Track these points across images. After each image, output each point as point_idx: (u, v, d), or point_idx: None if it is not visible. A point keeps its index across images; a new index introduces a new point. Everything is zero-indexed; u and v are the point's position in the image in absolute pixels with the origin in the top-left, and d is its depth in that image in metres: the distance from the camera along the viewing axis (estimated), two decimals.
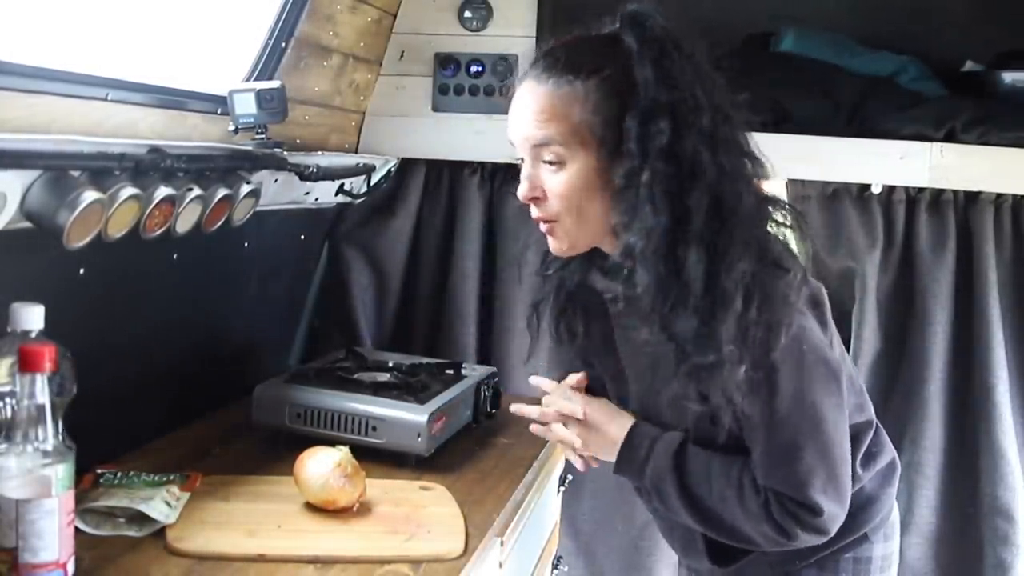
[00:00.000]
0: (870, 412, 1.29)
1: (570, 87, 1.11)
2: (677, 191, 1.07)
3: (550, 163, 1.14)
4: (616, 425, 1.26)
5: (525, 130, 1.15)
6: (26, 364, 0.97)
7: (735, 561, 1.29)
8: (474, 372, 1.81)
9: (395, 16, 2.20)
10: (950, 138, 2.04)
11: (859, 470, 1.25)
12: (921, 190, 2.06)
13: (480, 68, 2.21)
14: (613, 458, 1.25)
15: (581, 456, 1.33)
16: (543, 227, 1.19)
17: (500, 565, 1.40)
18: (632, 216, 1.08)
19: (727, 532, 1.18)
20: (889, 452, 1.33)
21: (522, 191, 1.17)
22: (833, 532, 1.15)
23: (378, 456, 1.51)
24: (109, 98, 1.33)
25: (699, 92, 1.08)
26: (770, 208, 1.15)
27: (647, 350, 1.15)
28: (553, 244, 1.20)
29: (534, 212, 1.18)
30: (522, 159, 1.18)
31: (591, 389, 1.34)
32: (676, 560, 1.53)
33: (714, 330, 1.06)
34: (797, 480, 1.11)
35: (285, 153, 1.61)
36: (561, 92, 1.11)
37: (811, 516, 1.12)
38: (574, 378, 1.34)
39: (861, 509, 1.26)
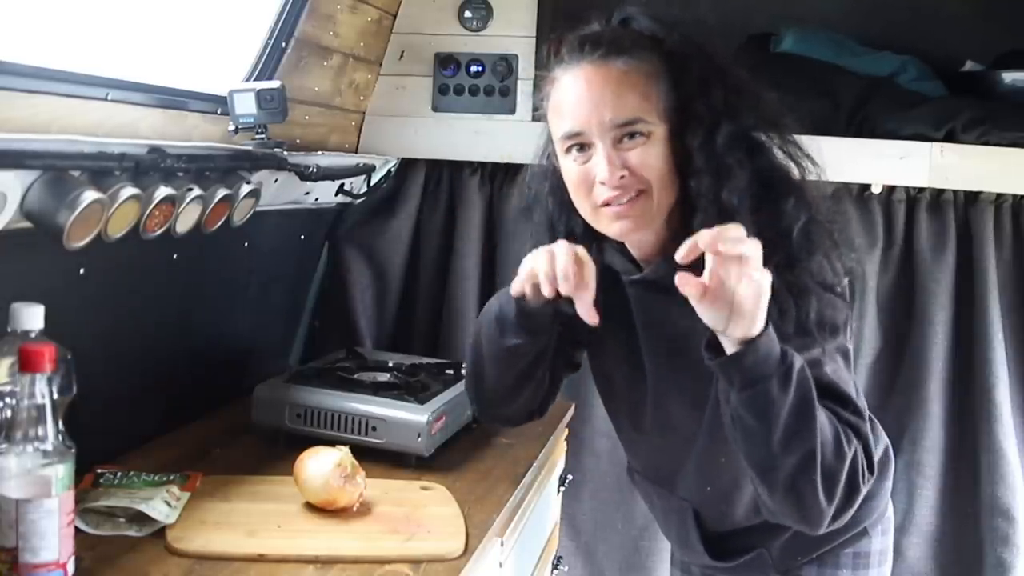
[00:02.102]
0: (863, 402, 1.30)
1: (634, 62, 1.13)
2: (756, 148, 1.14)
3: (635, 138, 1.11)
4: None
5: (603, 112, 1.11)
6: (26, 364, 0.97)
7: (732, 557, 1.29)
8: None
9: (395, 16, 2.20)
10: (950, 138, 2.04)
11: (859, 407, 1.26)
12: (921, 190, 2.07)
13: (480, 68, 2.21)
14: (743, 323, 0.98)
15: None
16: (615, 209, 1.12)
17: (500, 565, 1.40)
18: (719, 173, 1.11)
19: (825, 477, 1.03)
20: (883, 443, 1.36)
21: (609, 175, 1.11)
22: (848, 515, 1.10)
23: (378, 456, 1.51)
24: (109, 98, 1.33)
25: (731, 68, 1.17)
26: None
27: (681, 325, 1.09)
28: (627, 225, 1.14)
29: (605, 194, 1.12)
30: (577, 146, 1.13)
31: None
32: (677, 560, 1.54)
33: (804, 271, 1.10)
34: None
35: (285, 153, 1.61)
36: (630, 68, 1.12)
37: (871, 474, 1.08)
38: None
39: (860, 504, 1.27)
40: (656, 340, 1.24)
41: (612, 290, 1.25)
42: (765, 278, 0.98)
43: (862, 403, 1.19)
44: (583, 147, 1.14)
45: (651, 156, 1.12)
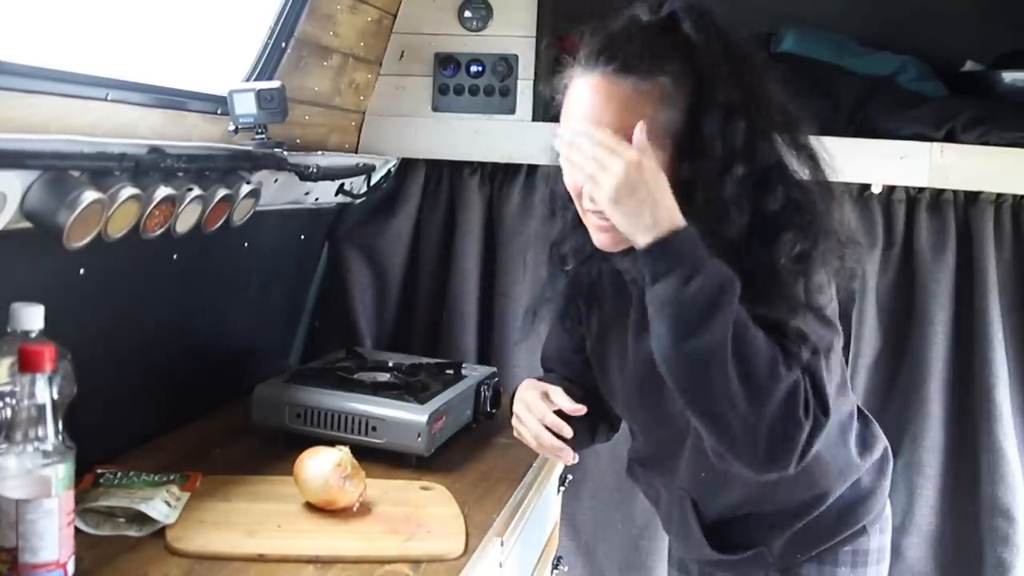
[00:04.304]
0: (853, 398, 1.32)
1: (645, 84, 1.08)
2: (761, 188, 1.09)
3: None
4: (670, 198, 1.05)
5: (600, 125, 1.10)
6: (26, 364, 0.97)
7: (733, 550, 1.29)
8: (474, 372, 1.81)
9: (395, 16, 2.20)
10: (950, 138, 2.04)
11: (855, 456, 1.27)
12: (921, 190, 2.07)
13: (480, 68, 2.21)
14: (647, 230, 1.03)
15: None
16: (598, 221, 1.14)
17: (500, 565, 1.40)
18: (718, 215, 1.08)
19: (751, 392, 1.02)
20: (882, 443, 1.36)
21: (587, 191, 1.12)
22: (811, 450, 1.06)
23: (378, 456, 1.51)
24: (109, 98, 1.33)
25: (766, 89, 1.12)
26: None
27: None
28: (605, 238, 1.15)
29: (589, 205, 1.14)
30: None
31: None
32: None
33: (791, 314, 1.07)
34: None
35: (285, 153, 1.61)
36: (638, 89, 1.08)
37: (822, 416, 1.05)
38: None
39: (860, 502, 1.29)
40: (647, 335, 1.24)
41: (616, 283, 1.28)
42: (655, 171, 1.02)
43: (847, 386, 1.21)
44: None
45: None
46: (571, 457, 1.27)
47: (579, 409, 1.25)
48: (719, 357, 1.00)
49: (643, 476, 1.42)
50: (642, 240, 1.03)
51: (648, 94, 1.09)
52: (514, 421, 1.32)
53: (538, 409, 1.27)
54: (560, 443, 1.25)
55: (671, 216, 1.03)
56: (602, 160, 1.03)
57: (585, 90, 1.12)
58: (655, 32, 1.12)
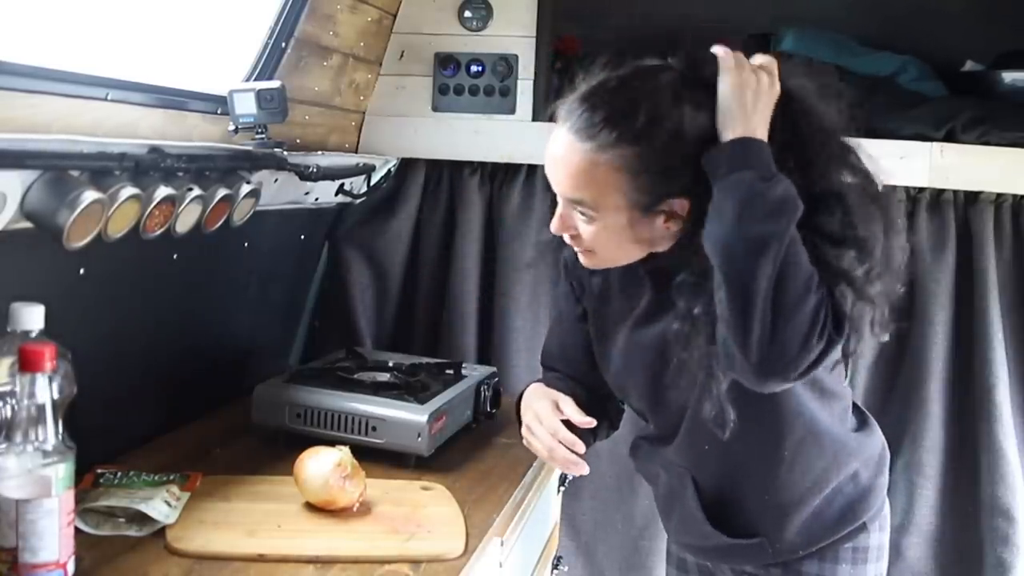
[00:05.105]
0: (850, 392, 1.35)
1: (613, 152, 1.11)
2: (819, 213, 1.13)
3: (580, 214, 1.17)
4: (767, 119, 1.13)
5: (558, 183, 1.17)
6: (26, 364, 0.97)
7: (733, 533, 1.30)
8: (474, 372, 1.81)
9: (395, 16, 2.20)
10: (950, 138, 2.04)
11: (851, 442, 1.30)
12: (921, 190, 2.07)
13: (480, 68, 2.21)
14: (742, 124, 1.10)
15: None
16: (579, 248, 1.22)
17: (500, 565, 1.40)
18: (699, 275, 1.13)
19: (786, 291, 1.05)
20: (879, 437, 1.37)
21: (554, 226, 1.20)
22: (814, 368, 1.09)
23: (378, 456, 1.51)
24: (109, 98, 1.33)
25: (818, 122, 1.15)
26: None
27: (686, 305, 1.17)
28: (585, 261, 1.24)
29: (567, 239, 1.22)
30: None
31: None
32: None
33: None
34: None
35: (285, 153, 1.61)
36: (601, 157, 1.11)
37: (836, 335, 1.08)
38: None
39: (859, 498, 1.30)
40: (663, 318, 1.25)
41: (626, 275, 1.30)
42: (754, 81, 1.10)
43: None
44: (558, 198, 1.20)
45: (592, 233, 1.18)
46: (583, 470, 1.28)
47: (589, 422, 1.27)
48: (773, 249, 1.04)
49: (646, 455, 1.42)
50: (732, 133, 1.09)
51: (608, 164, 1.12)
52: (524, 431, 1.33)
53: (550, 423, 1.28)
54: (574, 457, 1.27)
55: (763, 130, 1.10)
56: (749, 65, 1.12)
57: (554, 141, 1.17)
58: (644, 93, 1.13)
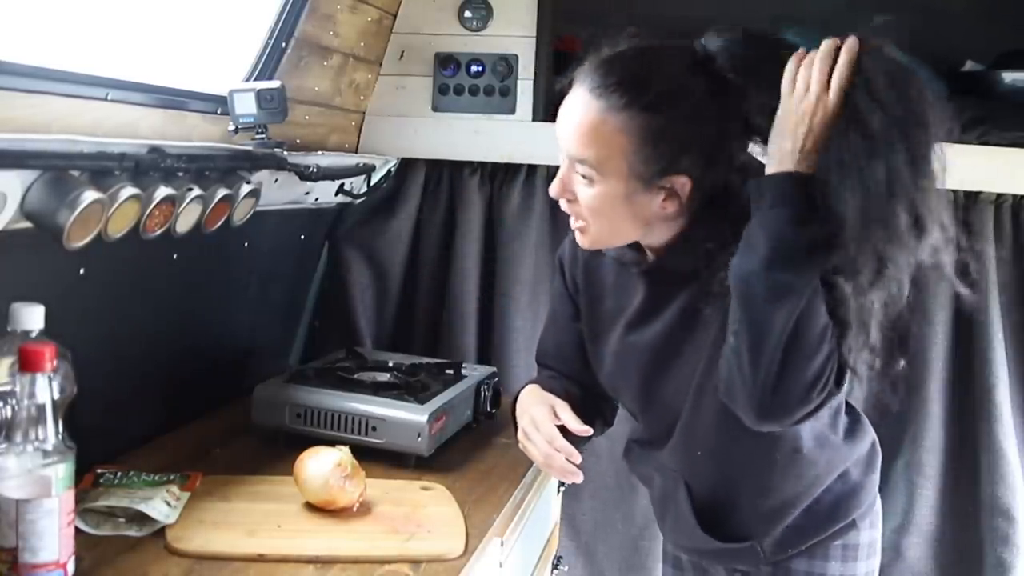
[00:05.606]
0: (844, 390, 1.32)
1: (623, 115, 1.11)
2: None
3: (582, 176, 1.16)
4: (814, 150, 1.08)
5: (566, 138, 1.16)
6: (26, 364, 0.97)
7: (724, 538, 1.30)
8: (474, 372, 1.81)
9: (395, 16, 2.20)
10: (950, 138, 2.04)
11: (843, 446, 1.29)
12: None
13: (480, 68, 2.21)
14: (789, 158, 1.06)
15: None
16: (572, 223, 1.22)
17: (500, 565, 1.40)
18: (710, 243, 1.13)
19: (798, 344, 1.05)
20: (870, 436, 1.37)
21: (553, 190, 1.19)
22: (810, 417, 1.10)
23: (378, 456, 1.51)
24: (109, 98, 1.33)
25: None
26: None
27: (683, 308, 1.19)
28: (579, 239, 1.23)
29: (563, 206, 1.21)
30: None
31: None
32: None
33: None
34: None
35: (285, 153, 1.61)
36: (611, 118, 1.11)
37: (836, 388, 1.09)
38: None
39: (849, 496, 1.30)
40: (656, 320, 1.26)
41: (619, 275, 1.30)
42: (813, 108, 1.05)
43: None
44: (562, 160, 1.19)
45: (589, 198, 1.16)
46: (578, 478, 1.29)
47: (585, 431, 1.26)
48: (792, 301, 1.03)
49: (639, 458, 1.42)
50: (779, 166, 1.06)
51: (617, 126, 1.11)
52: (521, 436, 1.32)
53: (547, 430, 1.27)
54: (571, 467, 1.26)
55: (810, 164, 1.05)
56: (821, 82, 1.06)
57: (567, 101, 1.16)
58: (667, 65, 1.14)
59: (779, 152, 1.06)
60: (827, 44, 1.10)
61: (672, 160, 1.11)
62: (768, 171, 1.07)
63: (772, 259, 1.03)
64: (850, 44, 1.09)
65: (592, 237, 1.21)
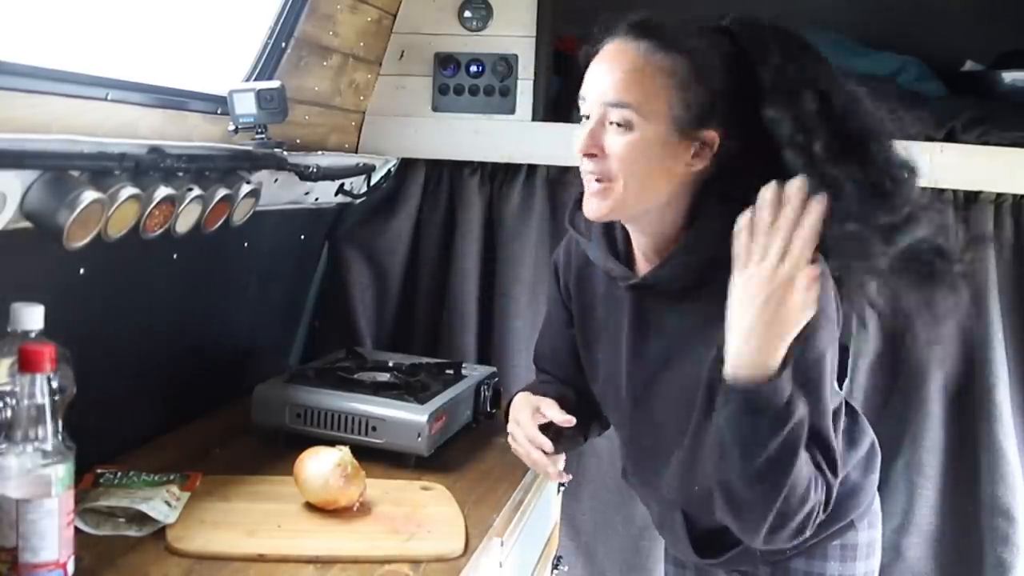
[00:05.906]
0: (842, 393, 1.32)
1: (665, 57, 1.10)
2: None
3: (618, 124, 1.11)
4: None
5: (603, 87, 1.12)
6: (26, 364, 0.97)
7: (719, 555, 1.30)
8: (474, 372, 1.81)
9: (395, 16, 2.20)
10: (950, 138, 2.04)
11: (843, 452, 1.27)
12: (921, 190, 2.06)
13: (480, 68, 2.21)
14: (775, 351, 0.99)
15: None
16: (593, 186, 1.15)
17: (500, 565, 1.40)
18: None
19: (783, 508, 1.06)
20: (869, 437, 1.37)
21: (581, 145, 1.14)
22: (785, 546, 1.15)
23: (378, 456, 1.51)
24: (109, 98, 1.33)
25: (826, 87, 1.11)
26: None
27: (674, 329, 1.18)
28: (595, 205, 1.16)
29: (587, 166, 1.15)
30: (586, 116, 1.15)
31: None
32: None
33: None
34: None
35: (285, 153, 1.61)
36: (653, 59, 1.10)
37: (823, 513, 1.11)
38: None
39: (847, 496, 1.29)
40: (645, 341, 1.25)
41: (609, 286, 1.29)
42: (799, 307, 0.98)
43: (837, 444, 1.18)
44: (587, 116, 1.15)
45: (624, 147, 1.11)
46: (562, 477, 1.31)
47: (568, 420, 1.26)
48: (771, 482, 1.04)
49: (634, 484, 1.42)
50: (739, 365, 1.01)
51: (660, 66, 1.10)
52: (509, 439, 1.34)
53: (527, 429, 1.29)
54: (552, 465, 1.29)
55: (784, 359, 1.01)
56: (795, 261, 0.97)
57: (600, 54, 1.14)
58: (681, 24, 1.14)
59: (739, 343, 1.00)
60: (773, 201, 0.99)
61: (708, 109, 1.10)
62: (733, 367, 1.02)
63: (743, 465, 1.04)
64: (814, 214, 0.97)
65: (615, 198, 1.14)
